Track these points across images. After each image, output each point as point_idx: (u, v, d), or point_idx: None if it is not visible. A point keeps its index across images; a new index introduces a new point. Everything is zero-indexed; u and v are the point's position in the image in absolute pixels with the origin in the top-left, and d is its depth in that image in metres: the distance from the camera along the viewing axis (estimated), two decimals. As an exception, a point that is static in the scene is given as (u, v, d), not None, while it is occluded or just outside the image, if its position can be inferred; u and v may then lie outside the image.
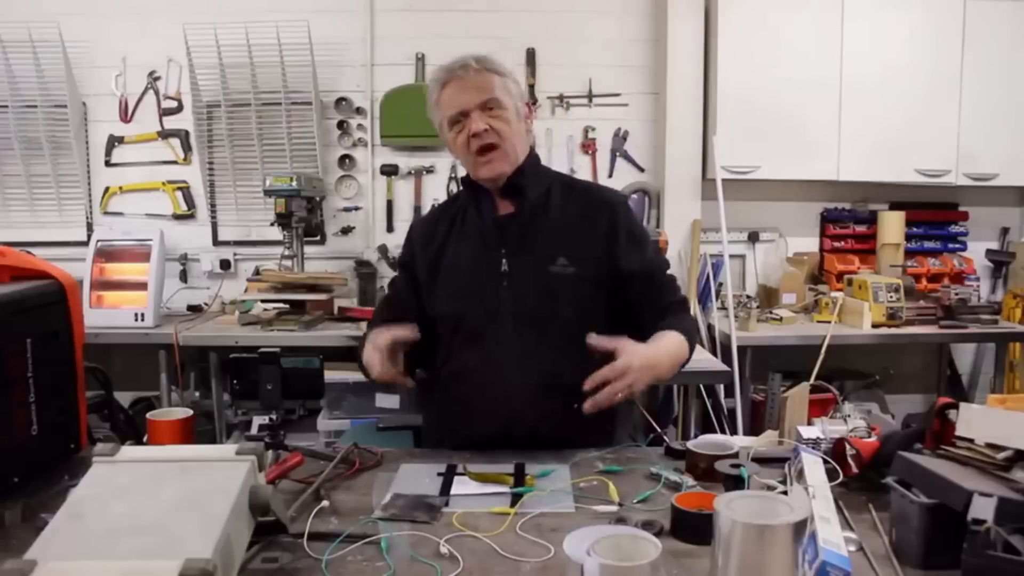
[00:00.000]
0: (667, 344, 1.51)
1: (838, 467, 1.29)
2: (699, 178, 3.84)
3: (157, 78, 3.82)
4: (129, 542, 0.94)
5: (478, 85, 1.58)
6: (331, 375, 2.59)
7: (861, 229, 4.03)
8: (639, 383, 1.41)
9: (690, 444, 1.46)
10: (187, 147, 3.86)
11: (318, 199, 3.63)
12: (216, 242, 3.91)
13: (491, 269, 1.62)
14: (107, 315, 3.27)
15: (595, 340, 1.42)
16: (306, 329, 3.24)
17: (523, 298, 1.61)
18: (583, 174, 3.88)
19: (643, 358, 1.42)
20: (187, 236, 3.87)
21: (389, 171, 3.88)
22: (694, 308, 3.68)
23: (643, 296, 1.64)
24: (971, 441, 1.18)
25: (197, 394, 3.54)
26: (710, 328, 3.61)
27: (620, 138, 3.95)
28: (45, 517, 1.06)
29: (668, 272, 1.72)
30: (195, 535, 0.94)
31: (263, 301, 3.40)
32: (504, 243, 1.63)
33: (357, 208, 3.91)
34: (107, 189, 3.85)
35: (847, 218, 4.05)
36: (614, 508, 1.28)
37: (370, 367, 1.56)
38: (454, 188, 3.78)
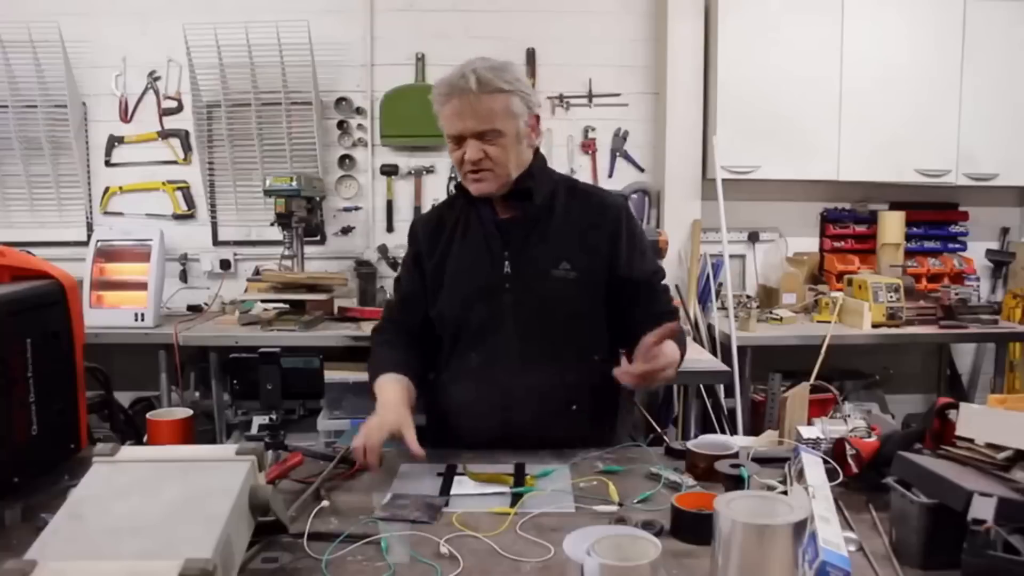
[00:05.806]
0: (672, 352, 1.55)
1: (838, 467, 1.29)
2: (699, 178, 3.83)
3: (157, 78, 3.82)
4: (129, 542, 0.94)
5: (477, 112, 1.51)
6: (331, 375, 2.59)
7: (861, 229, 4.02)
8: (660, 378, 1.45)
9: (690, 444, 1.47)
10: (187, 147, 3.86)
11: (318, 199, 3.63)
12: (216, 242, 3.90)
13: (494, 271, 1.63)
14: (107, 315, 3.26)
15: (621, 373, 1.43)
16: (306, 329, 3.23)
17: (525, 301, 1.61)
18: (583, 174, 3.88)
19: (673, 359, 1.48)
20: (187, 236, 3.86)
21: (389, 171, 3.88)
22: (694, 308, 3.67)
23: (638, 303, 1.65)
24: (971, 441, 1.19)
25: (197, 394, 3.53)
26: (710, 328, 3.60)
27: (620, 138, 3.95)
28: (45, 517, 1.06)
29: (663, 281, 1.74)
30: (195, 535, 0.94)
31: (263, 301, 3.40)
32: (507, 245, 1.63)
33: (357, 208, 3.91)
34: (107, 189, 3.85)
35: (847, 218, 4.05)
36: (614, 508, 1.28)
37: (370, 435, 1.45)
38: (454, 188, 3.77)
